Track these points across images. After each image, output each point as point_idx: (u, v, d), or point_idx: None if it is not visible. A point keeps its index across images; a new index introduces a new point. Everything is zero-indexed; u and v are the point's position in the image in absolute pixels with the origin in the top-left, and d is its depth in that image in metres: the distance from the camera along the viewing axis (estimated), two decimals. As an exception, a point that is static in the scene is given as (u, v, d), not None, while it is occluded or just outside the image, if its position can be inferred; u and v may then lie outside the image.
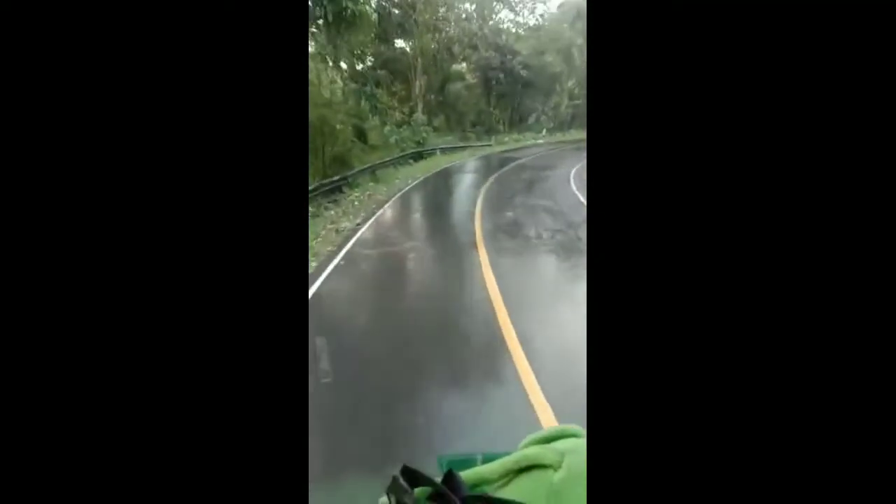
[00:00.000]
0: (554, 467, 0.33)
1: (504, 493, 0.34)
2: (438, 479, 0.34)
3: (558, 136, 24.31)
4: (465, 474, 0.37)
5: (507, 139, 23.18)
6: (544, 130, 25.28)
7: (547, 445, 0.36)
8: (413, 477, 0.34)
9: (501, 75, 23.56)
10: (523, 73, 24.23)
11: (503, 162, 14.87)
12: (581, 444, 0.35)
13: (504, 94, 24.85)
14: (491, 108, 25.38)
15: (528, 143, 22.40)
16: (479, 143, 20.86)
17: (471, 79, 24.47)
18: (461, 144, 19.83)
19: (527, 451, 0.35)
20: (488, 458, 0.38)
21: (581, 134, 24.32)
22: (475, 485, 0.37)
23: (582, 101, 27.43)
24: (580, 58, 24.91)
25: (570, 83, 26.63)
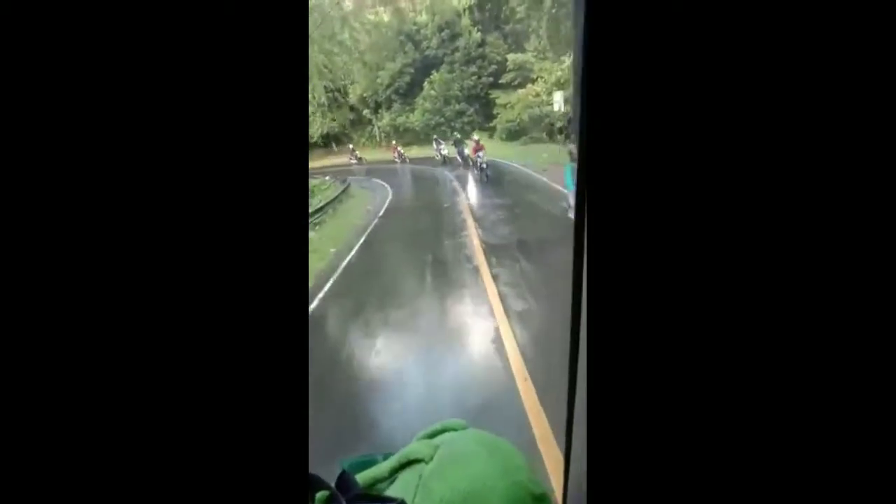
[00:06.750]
0: (426, 461, 0.35)
1: (390, 490, 0.36)
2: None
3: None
4: (363, 475, 0.39)
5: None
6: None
7: (427, 440, 0.38)
8: (311, 482, 0.36)
9: None
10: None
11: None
12: (455, 436, 0.38)
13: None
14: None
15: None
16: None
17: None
18: None
19: (408, 447, 0.38)
20: (388, 458, 0.39)
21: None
22: (371, 484, 0.38)
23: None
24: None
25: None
